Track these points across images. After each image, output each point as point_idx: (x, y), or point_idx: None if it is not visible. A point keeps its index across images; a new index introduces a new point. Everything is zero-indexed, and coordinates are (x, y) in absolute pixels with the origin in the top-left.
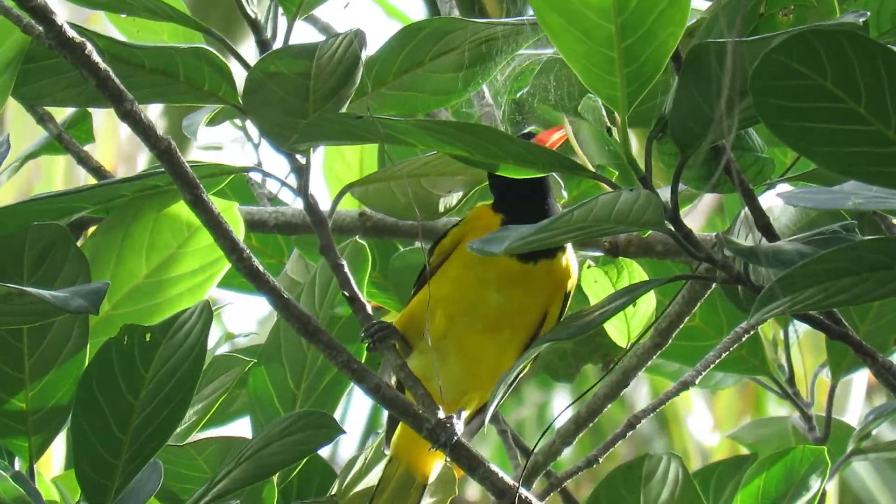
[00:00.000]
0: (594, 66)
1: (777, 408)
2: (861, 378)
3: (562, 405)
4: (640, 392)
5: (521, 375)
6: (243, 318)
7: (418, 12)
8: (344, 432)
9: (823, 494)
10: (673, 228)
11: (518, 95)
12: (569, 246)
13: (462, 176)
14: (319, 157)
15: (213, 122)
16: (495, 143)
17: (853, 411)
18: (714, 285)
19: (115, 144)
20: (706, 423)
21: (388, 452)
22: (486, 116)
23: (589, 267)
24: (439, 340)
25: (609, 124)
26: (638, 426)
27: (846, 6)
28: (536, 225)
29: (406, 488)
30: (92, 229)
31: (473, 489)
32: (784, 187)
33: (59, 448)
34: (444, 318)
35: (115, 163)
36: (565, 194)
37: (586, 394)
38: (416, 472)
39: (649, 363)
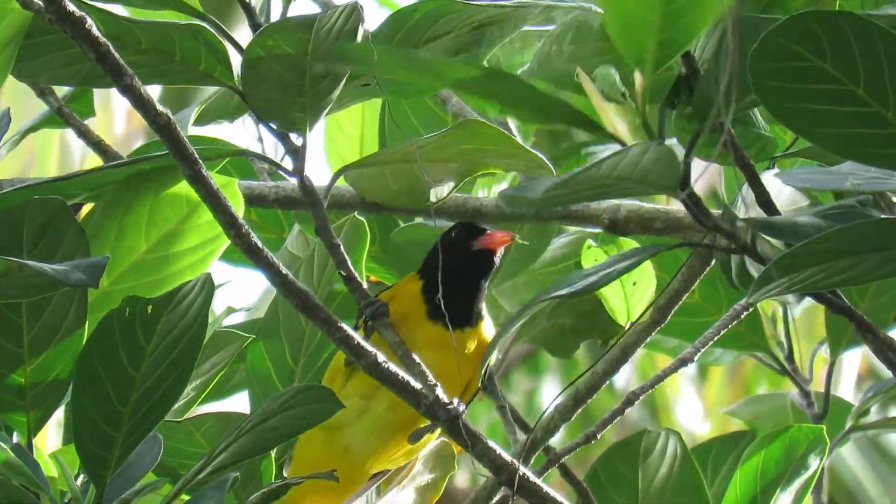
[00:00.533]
0: (631, 28)
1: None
2: (852, 361)
3: (550, 391)
4: (632, 380)
5: (511, 365)
6: (241, 292)
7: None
8: (343, 406)
9: (822, 473)
10: (686, 196)
11: (518, 72)
12: (486, 316)
13: (454, 164)
14: (319, 132)
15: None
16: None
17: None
18: (713, 262)
19: (111, 140)
20: (696, 410)
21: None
22: None
23: (589, 247)
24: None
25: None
26: (628, 413)
27: None
28: (561, 177)
29: None
30: (90, 205)
31: (462, 477)
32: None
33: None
34: None
35: None
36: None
37: (584, 374)
38: None
39: (648, 339)
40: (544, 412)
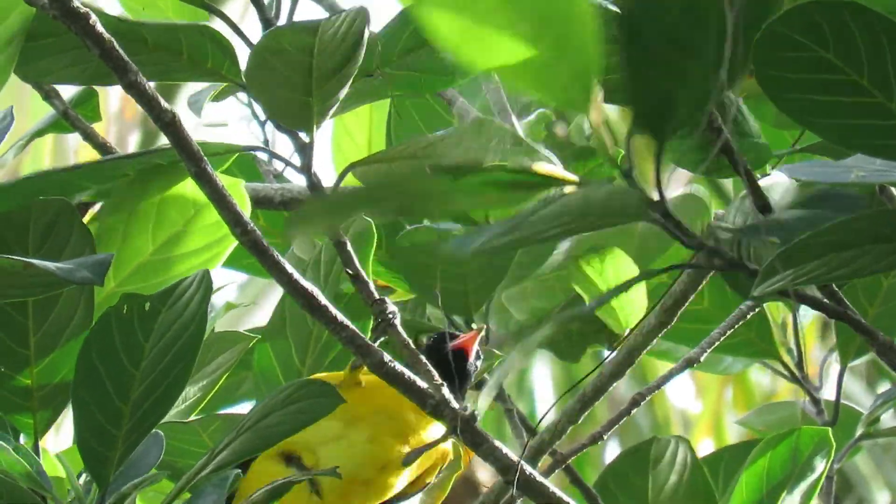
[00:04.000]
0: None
1: (760, 375)
2: None
3: (542, 371)
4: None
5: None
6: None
7: None
8: (344, 401)
9: (831, 478)
10: (661, 218)
11: None
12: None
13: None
14: (327, 136)
15: (216, 100)
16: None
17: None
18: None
19: (104, 126)
20: (688, 391)
21: None
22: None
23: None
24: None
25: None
26: (618, 395)
27: None
28: (512, 221)
29: None
30: (96, 206)
31: (483, 470)
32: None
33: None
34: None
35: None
36: None
37: (586, 378)
38: None
39: (654, 341)
40: (542, 417)
